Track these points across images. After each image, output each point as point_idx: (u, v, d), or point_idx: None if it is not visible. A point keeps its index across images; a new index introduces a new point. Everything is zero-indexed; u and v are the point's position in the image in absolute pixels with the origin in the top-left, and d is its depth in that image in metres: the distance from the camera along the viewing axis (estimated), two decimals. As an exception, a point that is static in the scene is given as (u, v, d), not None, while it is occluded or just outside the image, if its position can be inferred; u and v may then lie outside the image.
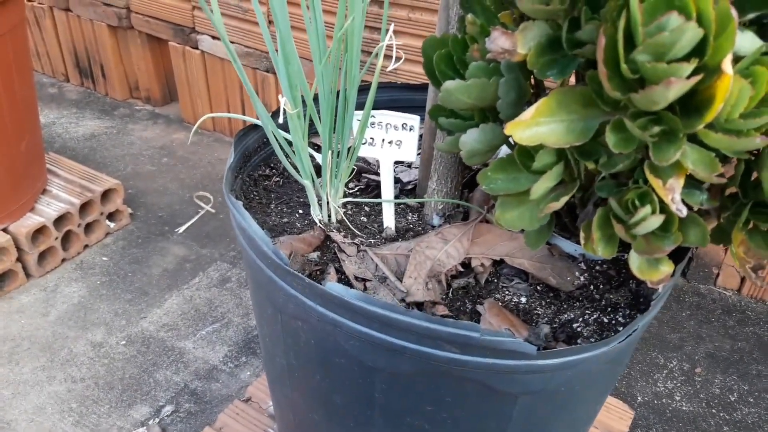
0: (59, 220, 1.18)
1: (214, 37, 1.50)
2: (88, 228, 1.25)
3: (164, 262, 1.22)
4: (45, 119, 1.70)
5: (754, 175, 0.40)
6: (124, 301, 1.12)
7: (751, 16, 0.35)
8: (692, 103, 0.34)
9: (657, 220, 0.38)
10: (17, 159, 1.11)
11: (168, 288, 1.16)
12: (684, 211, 0.35)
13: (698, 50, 0.32)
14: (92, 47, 1.75)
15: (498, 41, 0.40)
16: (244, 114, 1.60)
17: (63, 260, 1.20)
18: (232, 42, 1.48)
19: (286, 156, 0.55)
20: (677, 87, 0.31)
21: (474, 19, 0.45)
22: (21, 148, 1.12)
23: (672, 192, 0.35)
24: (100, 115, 1.74)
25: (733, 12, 0.30)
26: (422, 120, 0.63)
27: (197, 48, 1.55)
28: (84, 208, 1.22)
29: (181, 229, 1.30)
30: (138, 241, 1.28)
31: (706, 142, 0.34)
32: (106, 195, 1.26)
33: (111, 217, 1.29)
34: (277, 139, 0.53)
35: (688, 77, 0.31)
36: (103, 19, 1.66)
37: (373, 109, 0.55)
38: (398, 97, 0.76)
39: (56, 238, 1.16)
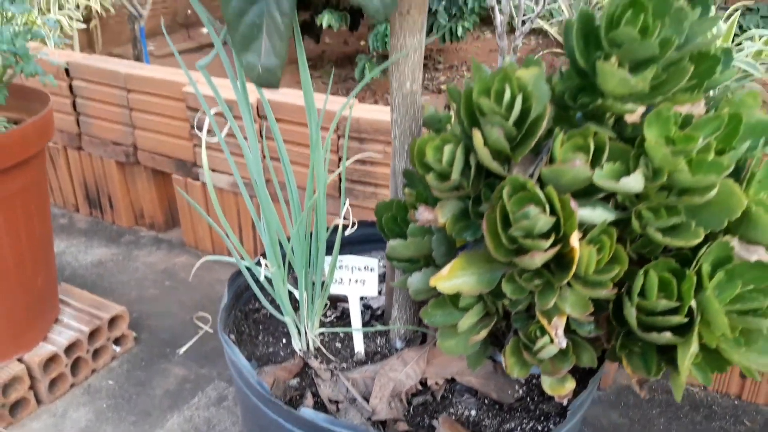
0: (69, 348, 1.27)
1: (213, 170, 1.66)
2: (96, 353, 1.34)
3: (166, 383, 1.31)
4: (56, 248, 1.83)
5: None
6: (128, 423, 1.20)
7: (601, 195, 0.47)
8: (562, 262, 0.46)
9: (554, 348, 0.49)
10: (34, 294, 1.23)
11: (169, 408, 1.24)
12: (564, 344, 0.46)
13: (555, 228, 0.44)
14: (101, 181, 1.91)
15: (423, 214, 0.52)
16: (241, 237, 1.74)
17: (72, 385, 1.28)
18: (229, 174, 1.64)
19: (269, 299, 0.66)
20: (540, 257, 0.43)
21: (410, 192, 0.58)
22: (38, 283, 1.23)
23: (555, 329, 0.46)
24: (107, 243, 1.87)
25: (574, 205, 0.43)
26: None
27: (198, 179, 1.70)
28: (92, 334, 1.32)
29: (182, 350, 1.39)
30: (142, 363, 1.36)
31: (577, 290, 0.46)
32: (113, 321, 1.36)
33: (117, 341, 1.39)
34: (260, 287, 0.64)
35: (548, 249, 0.43)
36: (112, 156, 1.83)
37: (348, 243, 0.67)
38: (369, 232, 0.88)
39: (66, 365, 1.25)
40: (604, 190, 0.47)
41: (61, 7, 2.19)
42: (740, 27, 4.19)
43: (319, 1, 3.39)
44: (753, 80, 1.19)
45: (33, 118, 1.11)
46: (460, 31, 3.91)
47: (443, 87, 3.89)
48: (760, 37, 1.15)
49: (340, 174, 1.47)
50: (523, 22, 2.32)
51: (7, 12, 0.85)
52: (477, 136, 0.45)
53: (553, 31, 3.37)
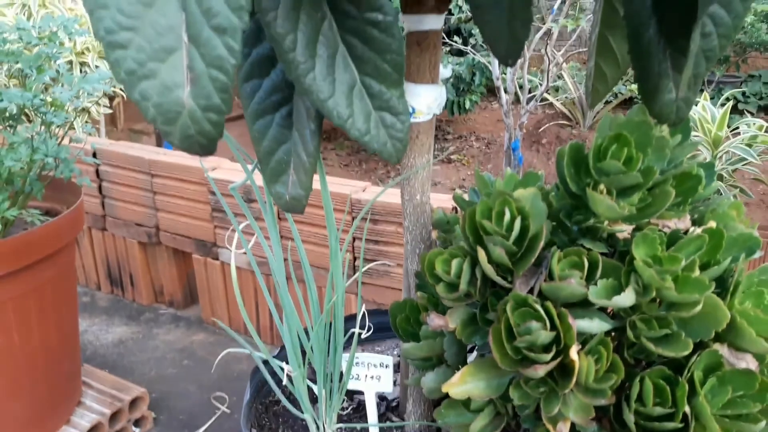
0: (91, 431, 1.30)
1: (232, 249, 1.72)
2: (116, 436, 1.36)
3: (184, 465, 1.32)
4: (79, 328, 1.88)
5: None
6: (147, 508, 1.21)
7: (597, 306, 0.52)
8: (564, 371, 0.49)
9: (561, 449, 0.52)
10: (59, 379, 1.27)
11: (188, 492, 1.25)
12: (569, 448, 0.49)
13: (556, 341, 0.48)
14: (123, 260, 1.97)
15: (435, 321, 0.56)
16: (257, 315, 1.77)
17: (92, 469, 1.30)
18: (244, 253, 1.69)
19: (288, 394, 0.70)
20: (543, 369, 0.47)
21: (422, 295, 0.63)
22: (63, 368, 1.27)
23: (560, 433, 0.49)
24: (127, 321, 1.92)
25: (572, 320, 0.47)
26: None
27: (217, 259, 1.76)
28: (114, 417, 1.35)
29: (200, 431, 1.41)
30: (160, 445, 1.38)
31: (578, 398, 0.49)
32: (133, 403, 1.39)
33: (137, 422, 1.41)
34: (279, 387, 0.68)
35: (550, 361, 0.47)
36: (135, 236, 1.90)
37: (366, 331, 0.71)
38: (383, 320, 0.92)
39: (88, 449, 1.28)
40: (600, 301, 0.51)
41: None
42: (743, 93, 4.29)
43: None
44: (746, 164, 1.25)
45: (66, 212, 1.18)
46: (467, 105, 4.05)
47: (453, 157, 3.99)
48: (755, 123, 1.21)
49: (356, 256, 1.52)
50: (528, 100, 2.42)
51: (49, 123, 0.93)
52: (482, 255, 0.50)
53: (558, 103, 3.48)
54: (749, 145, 1.24)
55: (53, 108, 0.92)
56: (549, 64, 2.16)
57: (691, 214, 0.57)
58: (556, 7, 2.11)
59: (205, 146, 0.32)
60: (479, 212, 0.51)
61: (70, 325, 1.30)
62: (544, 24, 2.18)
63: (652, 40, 0.50)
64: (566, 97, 3.21)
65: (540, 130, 3.77)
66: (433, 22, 0.56)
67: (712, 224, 0.54)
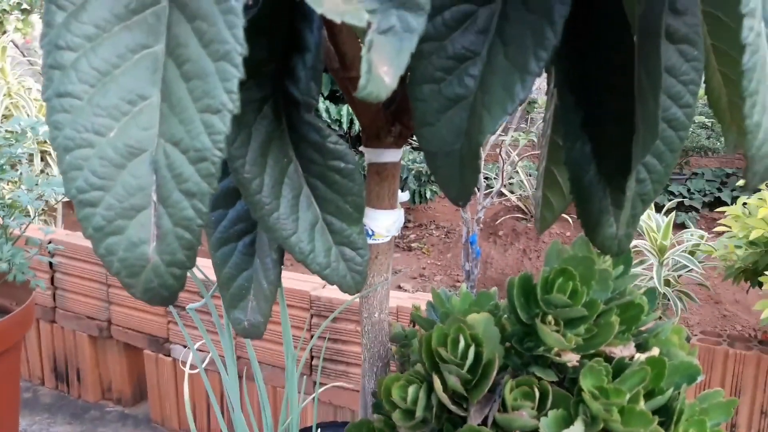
0: None
1: (185, 346, 1.68)
2: None
3: None
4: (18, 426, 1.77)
5: None
6: None
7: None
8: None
9: None
10: (-9, 490, 1.18)
11: None
12: None
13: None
14: (71, 354, 1.90)
15: (390, 447, 0.56)
16: (208, 416, 1.71)
17: None
18: (200, 351, 1.65)
19: None
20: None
21: (379, 418, 0.63)
22: (-4, 478, 1.19)
23: None
24: (71, 420, 1.82)
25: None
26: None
27: (169, 355, 1.71)
28: None
29: None
30: None
31: None
32: None
33: None
34: None
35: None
36: (86, 330, 1.84)
37: None
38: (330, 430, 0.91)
39: None
40: None
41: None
42: (688, 190, 4.52)
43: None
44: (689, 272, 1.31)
45: (15, 311, 1.14)
46: (428, 194, 4.15)
47: (413, 245, 4.04)
48: (700, 235, 1.29)
49: (311, 353, 1.50)
50: (485, 196, 2.51)
51: (7, 227, 0.92)
52: (437, 383, 0.51)
53: (514, 198, 3.60)
54: (692, 253, 1.30)
55: (12, 209, 0.92)
56: (503, 166, 2.26)
57: (635, 339, 0.60)
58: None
59: (167, 298, 0.33)
60: (435, 338, 0.53)
61: (9, 428, 1.23)
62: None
63: (592, 180, 0.54)
64: (521, 194, 3.34)
65: (497, 222, 3.87)
66: (392, 155, 0.59)
67: (655, 351, 0.57)
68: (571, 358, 0.53)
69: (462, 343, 0.52)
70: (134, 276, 0.32)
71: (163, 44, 0.33)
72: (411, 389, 0.54)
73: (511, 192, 3.54)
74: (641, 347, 0.60)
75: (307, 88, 0.42)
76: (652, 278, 1.31)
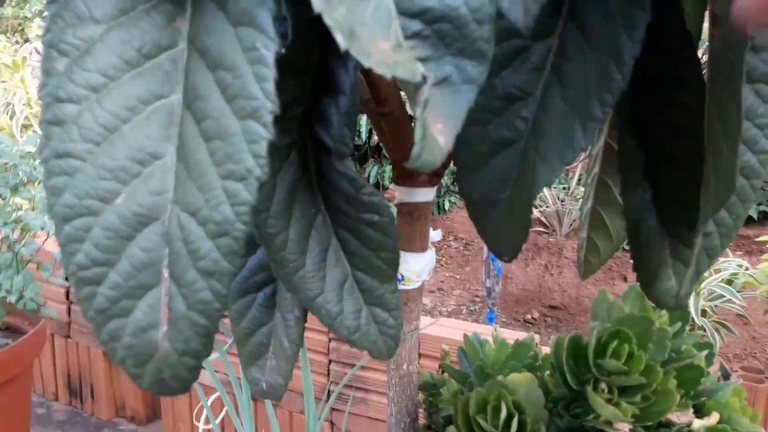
0: None
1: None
2: None
3: None
4: (28, 444, 1.74)
5: None
6: None
7: None
8: None
9: None
10: None
11: None
12: None
13: None
14: (85, 370, 1.87)
15: None
16: (224, 437, 1.67)
17: None
18: (216, 371, 1.62)
19: None
20: None
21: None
22: (5, 505, 1.16)
23: None
24: (83, 438, 1.79)
25: None
26: None
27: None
28: None
29: None
30: None
31: None
32: None
33: None
34: None
35: None
36: (100, 346, 1.81)
37: None
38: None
39: None
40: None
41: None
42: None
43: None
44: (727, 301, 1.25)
45: (27, 334, 1.11)
46: (447, 206, 4.10)
47: (431, 258, 3.97)
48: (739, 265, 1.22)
49: (329, 378, 1.45)
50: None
51: (19, 253, 0.89)
52: (475, 455, 0.46)
53: (536, 212, 3.54)
54: (729, 282, 1.24)
55: (23, 233, 0.89)
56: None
57: (692, 400, 0.54)
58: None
59: (178, 390, 0.29)
60: (473, 405, 0.48)
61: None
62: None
63: (652, 230, 0.49)
64: (544, 208, 3.27)
65: (518, 236, 3.80)
66: (425, 194, 0.55)
67: (715, 417, 0.51)
68: (624, 428, 0.48)
69: (504, 412, 0.47)
70: (141, 365, 0.28)
71: (180, 94, 0.28)
72: (446, 459, 0.49)
73: (533, 206, 3.47)
74: (698, 410, 0.54)
75: (341, 135, 0.37)
76: (687, 308, 1.24)
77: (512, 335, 1.52)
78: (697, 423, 0.51)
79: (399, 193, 0.55)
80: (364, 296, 0.41)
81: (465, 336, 0.64)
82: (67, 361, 1.90)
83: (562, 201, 3.54)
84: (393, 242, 0.40)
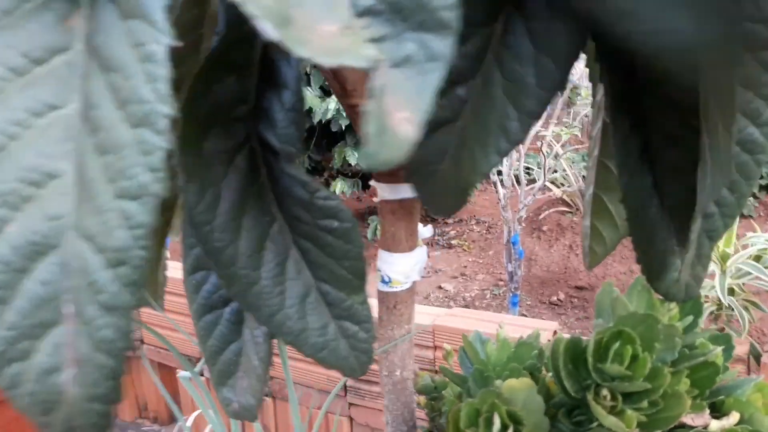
0: None
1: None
2: None
3: None
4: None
5: None
6: None
7: None
8: None
9: None
10: None
11: None
12: None
13: None
14: (107, 373, 1.88)
15: None
16: (245, 436, 1.66)
17: None
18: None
19: None
20: None
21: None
22: None
23: None
24: (108, 440, 1.80)
25: None
26: None
27: (203, 375, 1.67)
28: None
29: None
30: None
31: None
32: None
33: None
34: None
35: None
36: (119, 348, 1.82)
37: None
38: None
39: None
40: None
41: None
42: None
43: (331, 171, 3.54)
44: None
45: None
46: (467, 190, 4.02)
47: (453, 242, 3.94)
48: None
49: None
50: (527, 193, 2.39)
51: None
52: (467, 473, 0.42)
53: (558, 191, 3.46)
54: (757, 258, 1.17)
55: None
56: (545, 161, 2.14)
57: (707, 400, 0.50)
58: (549, 108, 2.11)
59: (92, 439, 0.25)
60: (464, 417, 0.44)
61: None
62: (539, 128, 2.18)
63: (655, 218, 0.44)
64: (566, 188, 3.19)
65: (541, 217, 3.73)
66: (409, 190, 0.50)
67: (734, 417, 0.47)
68: (633, 438, 0.43)
69: (497, 424, 0.43)
70: (48, 413, 0.24)
71: (77, 103, 0.25)
72: (437, 477, 0.45)
73: (555, 185, 3.39)
74: (715, 409, 0.50)
75: (287, 134, 0.33)
76: (713, 287, 1.18)
77: (532, 323, 1.46)
78: (715, 425, 0.46)
79: (380, 190, 0.51)
80: (330, 310, 0.38)
81: (464, 337, 0.60)
82: (89, 364, 1.91)
83: (585, 177, 3.46)
84: (356, 250, 0.36)
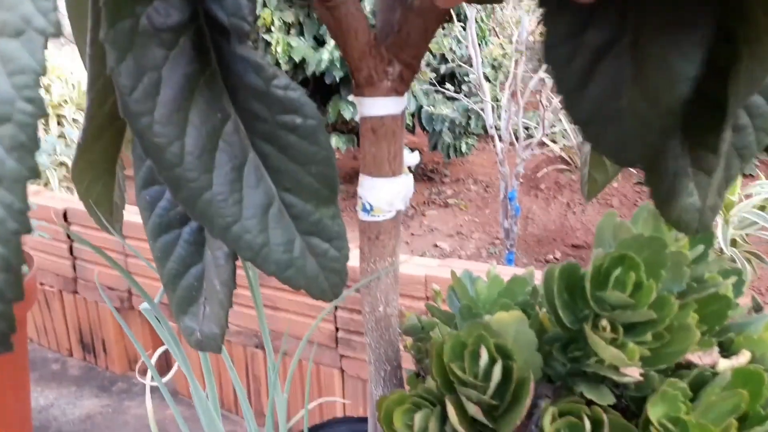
0: None
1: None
2: None
3: None
4: (45, 400, 1.74)
5: None
6: None
7: None
8: None
9: None
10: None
11: None
12: None
13: None
14: (95, 325, 1.85)
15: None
16: (235, 391, 1.64)
17: None
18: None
19: None
20: None
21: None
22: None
23: None
24: (98, 393, 1.78)
25: None
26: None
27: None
28: None
29: None
30: None
31: None
32: (89, 497, 1.25)
33: None
34: None
35: None
36: (106, 300, 1.78)
37: None
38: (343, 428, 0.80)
39: None
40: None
41: (68, 145, 2.23)
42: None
43: (325, 126, 3.47)
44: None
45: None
46: (464, 148, 3.97)
47: (450, 201, 3.89)
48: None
49: (338, 327, 1.39)
50: (525, 147, 2.33)
51: None
52: (452, 411, 0.38)
53: (556, 148, 3.40)
54: (762, 208, 1.13)
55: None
56: (543, 113, 2.08)
57: (716, 337, 0.45)
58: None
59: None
60: (448, 351, 0.40)
61: (20, 414, 1.17)
62: (537, 72, 2.10)
63: (665, 130, 0.39)
64: (565, 144, 3.13)
65: (539, 174, 3.68)
66: (391, 105, 0.45)
67: (745, 356, 0.43)
68: (633, 373, 0.39)
69: (484, 358, 0.39)
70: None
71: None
72: (418, 417, 0.41)
73: (554, 141, 3.33)
74: (724, 347, 0.46)
75: (236, 4, 0.28)
76: (716, 238, 1.14)
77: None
78: (724, 363, 0.42)
79: (359, 106, 0.46)
80: (296, 223, 0.33)
81: (453, 273, 0.56)
82: (77, 316, 1.88)
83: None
84: (324, 152, 0.31)
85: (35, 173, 0.18)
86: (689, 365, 0.43)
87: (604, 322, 0.38)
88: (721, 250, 1.13)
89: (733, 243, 1.16)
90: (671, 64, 0.24)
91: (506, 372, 0.39)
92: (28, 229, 0.18)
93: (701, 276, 0.43)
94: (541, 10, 0.25)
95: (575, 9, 0.25)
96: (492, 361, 0.39)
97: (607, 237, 0.44)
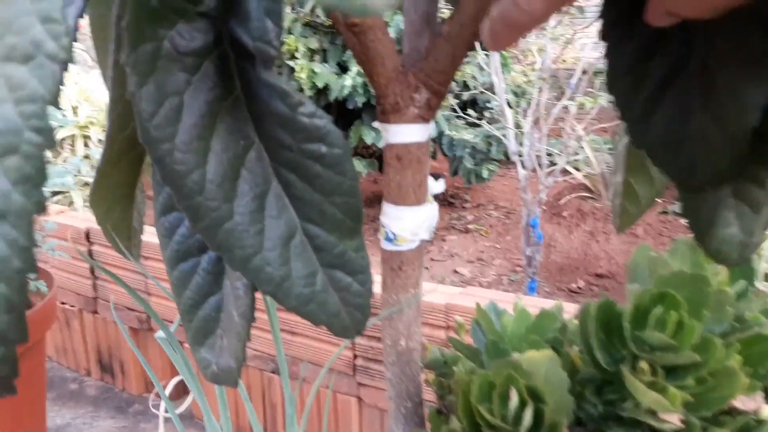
0: None
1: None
2: None
3: None
4: (61, 420, 1.74)
5: None
6: None
7: None
8: None
9: None
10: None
11: None
12: None
13: None
14: (114, 345, 1.85)
15: None
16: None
17: None
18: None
19: None
20: None
21: None
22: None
23: None
24: (114, 414, 1.77)
25: None
26: None
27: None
28: None
29: None
30: None
31: None
32: None
33: None
34: None
35: None
36: (126, 321, 1.78)
37: None
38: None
39: None
40: None
41: (93, 166, 2.26)
42: None
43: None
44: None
45: (36, 307, 1.06)
46: (485, 174, 3.95)
47: (470, 227, 3.86)
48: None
49: (356, 353, 1.37)
50: (548, 174, 2.30)
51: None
52: (477, 455, 0.36)
53: (579, 175, 3.36)
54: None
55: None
56: (567, 141, 2.05)
57: (762, 382, 0.43)
58: (574, 82, 2.02)
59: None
60: (476, 392, 0.38)
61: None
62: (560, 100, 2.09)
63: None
64: (588, 171, 3.09)
65: (561, 201, 3.64)
66: (417, 133, 0.44)
67: (794, 403, 0.40)
68: (673, 419, 0.37)
69: (514, 400, 0.37)
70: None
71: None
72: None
73: (577, 169, 3.29)
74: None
75: (261, 29, 0.27)
76: (757, 273, 1.10)
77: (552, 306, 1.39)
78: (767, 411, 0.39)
79: (385, 133, 0.45)
80: (319, 256, 0.32)
81: (478, 306, 0.54)
82: (96, 336, 1.88)
83: (608, 164, 3.36)
84: (349, 182, 0.30)
85: (41, 208, 0.17)
86: (731, 411, 0.40)
87: (644, 364, 0.35)
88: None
89: (766, 278, 1.12)
90: (741, 91, 0.22)
91: (537, 415, 0.37)
92: (34, 269, 0.17)
93: (742, 315, 0.41)
94: (603, 44, 0.24)
95: (638, 40, 0.24)
96: (522, 404, 0.37)
97: (642, 272, 0.41)
